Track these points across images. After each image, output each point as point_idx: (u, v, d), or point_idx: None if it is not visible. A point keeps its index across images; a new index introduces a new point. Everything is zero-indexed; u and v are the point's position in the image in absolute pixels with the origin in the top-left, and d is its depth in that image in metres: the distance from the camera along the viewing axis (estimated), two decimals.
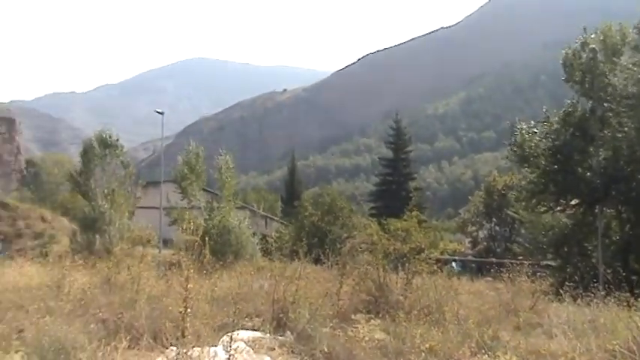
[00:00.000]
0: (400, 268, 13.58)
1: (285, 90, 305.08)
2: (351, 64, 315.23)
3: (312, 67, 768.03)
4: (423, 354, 7.75)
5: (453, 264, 33.65)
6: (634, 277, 19.81)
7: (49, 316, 9.66)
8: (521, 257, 29.23)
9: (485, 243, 55.41)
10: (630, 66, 23.63)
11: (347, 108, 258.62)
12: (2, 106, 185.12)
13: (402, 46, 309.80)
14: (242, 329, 8.77)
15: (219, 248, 26.21)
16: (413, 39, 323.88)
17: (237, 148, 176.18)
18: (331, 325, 9.28)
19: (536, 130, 25.86)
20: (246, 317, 9.59)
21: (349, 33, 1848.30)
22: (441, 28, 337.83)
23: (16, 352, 7.07)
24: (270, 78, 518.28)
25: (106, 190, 34.15)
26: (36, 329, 8.83)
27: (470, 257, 49.84)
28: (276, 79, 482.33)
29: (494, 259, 39.74)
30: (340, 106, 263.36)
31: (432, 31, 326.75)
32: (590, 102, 24.94)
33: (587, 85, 24.64)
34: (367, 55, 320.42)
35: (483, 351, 8.21)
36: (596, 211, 24.50)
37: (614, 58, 24.27)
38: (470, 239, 62.04)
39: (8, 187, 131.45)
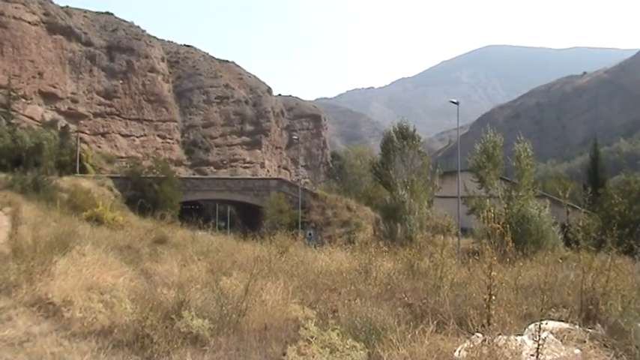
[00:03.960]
0: None
1: (584, 73, 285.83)
2: None
3: (614, 45, 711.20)
4: None
5: None
6: None
7: (359, 298, 10.26)
8: None
9: None
10: None
11: None
12: (309, 104, 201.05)
13: None
14: (549, 319, 8.47)
15: (519, 237, 25.60)
16: None
17: (534, 136, 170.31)
18: None
19: None
20: (552, 307, 9.25)
21: None
22: None
23: (333, 330, 7.61)
24: (568, 61, 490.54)
25: (405, 180, 35.31)
26: (348, 310, 9.43)
27: None
28: (574, 61, 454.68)
29: None
30: None
31: None
32: None
33: None
34: None
35: None
36: None
37: None
38: None
39: (317, 179, 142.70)
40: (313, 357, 6.98)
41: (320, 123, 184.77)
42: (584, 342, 7.71)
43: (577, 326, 8.50)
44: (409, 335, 7.46)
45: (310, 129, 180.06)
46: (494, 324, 7.49)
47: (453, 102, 41.34)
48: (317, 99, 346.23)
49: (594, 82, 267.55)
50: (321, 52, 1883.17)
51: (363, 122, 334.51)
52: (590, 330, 8.41)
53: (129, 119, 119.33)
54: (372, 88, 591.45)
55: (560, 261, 13.24)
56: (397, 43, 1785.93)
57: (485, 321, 7.76)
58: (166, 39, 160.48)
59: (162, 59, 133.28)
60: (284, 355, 7.20)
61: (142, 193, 50.40)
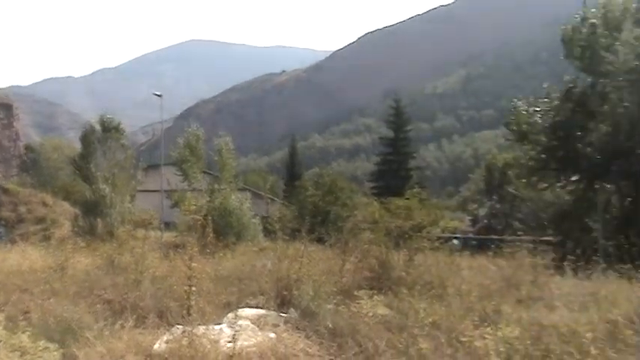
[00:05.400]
0: (402, 245, 13.56)
1: (283, 71, 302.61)
2: (351, 44, 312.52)
3: (311, 47, 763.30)
4: (427, 328, 7.78)
5: (455, 241, 33.75)
6: (634, 249, 19.78)
7: (54, 297, 9.78)
8: (521, 233, 29.04)
9: (485, 220, 55.37)
10: (632, 40, 23.27)
11: (347, 88, 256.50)
12: (0, 92, 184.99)
13: (402, 25, 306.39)
14: (246, 307, 8.83)
15: (221, 230, 26.25)
16: (412, 17, 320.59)
17: (237, 131, 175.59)
18: (335, 301, 9.32)
19: (537, 108, 25.60)
20: (250, 295, 9.66)
21: (348, 12, 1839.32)
22: (440, 5, 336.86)
23: (23, 332, 7.16)
24: (269, 59, 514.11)
25: (106, 174, 34.22)
26: (41, 310, 8.95)
27: (470, 235, 49.79)
28: (275, 60, 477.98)
29: (494, 236, 39.70)
30: (340, 87, 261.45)
31: (432, 9, 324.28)
32: (591, 78, 24.77)
33: (587, 61, 24.34)
34: (367, 34, 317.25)
35: (486, 323, 8.21)
36: (597, 186, 24.39)
37: (615, 33, 23.91)
38: (470, 217, 62.37)
39: (8, 173, 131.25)
40: None
41: (11, 112, 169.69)
42: (279, 326, 8.15)
43: (273, 311, 8.98)
44: (107, 332, 7.31)
45: (1, 119, 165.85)
46: (194, 314, 7.63)
47: (157, 94, 41.08)
48: (10, 86, 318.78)
49: (292, 81, 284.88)
50: (16, 34, 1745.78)
51: (60, 113, 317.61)
52: (284, 314, 8.92)
53: None
54: (72, 77, 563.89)
55: (260, 251, 13.89)
56: (99, 30, 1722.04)
57: (185, 312, 7.86)
58: None
59: None
60: None
61: None
